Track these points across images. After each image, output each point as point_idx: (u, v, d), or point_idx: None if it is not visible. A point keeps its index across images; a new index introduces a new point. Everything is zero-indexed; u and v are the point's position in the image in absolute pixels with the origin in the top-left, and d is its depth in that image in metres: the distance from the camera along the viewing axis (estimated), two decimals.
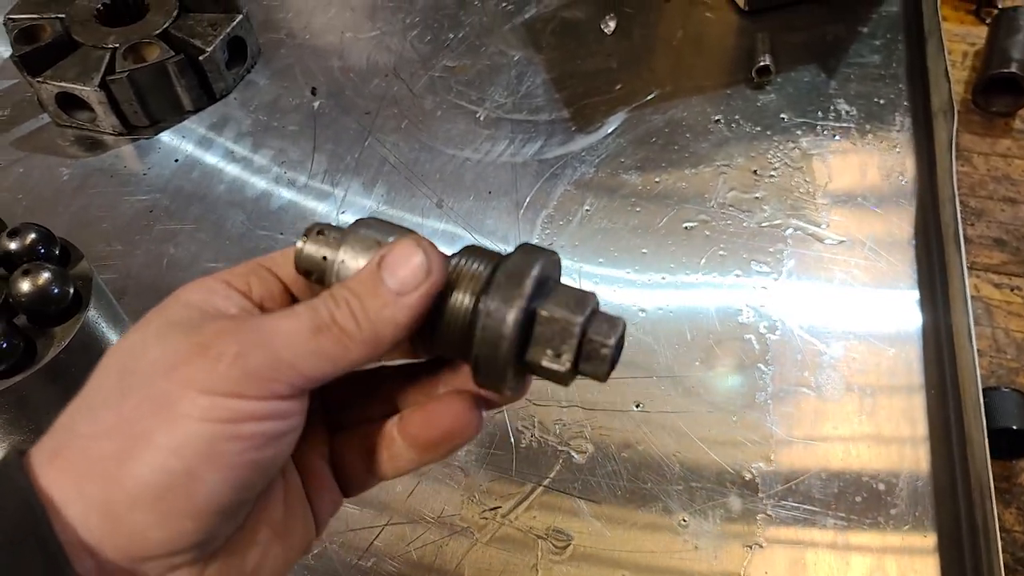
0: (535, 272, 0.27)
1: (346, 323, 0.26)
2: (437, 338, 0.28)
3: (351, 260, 0.28)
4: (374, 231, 0.29)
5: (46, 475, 0.25)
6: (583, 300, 0.27)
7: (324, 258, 0.29)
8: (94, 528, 0.24)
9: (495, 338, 0.26)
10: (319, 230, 0.29)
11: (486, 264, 0.28)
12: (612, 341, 0.27)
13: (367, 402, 0.32)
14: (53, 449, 0.25)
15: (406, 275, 0.26)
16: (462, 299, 0.27)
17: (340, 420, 0.32)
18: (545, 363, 0.27)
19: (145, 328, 0.27)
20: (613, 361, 0.27)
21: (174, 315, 0.27)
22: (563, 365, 0.27)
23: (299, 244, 0.29)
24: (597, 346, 0.27)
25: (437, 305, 0.27)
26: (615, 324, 0.27)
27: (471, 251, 0.29)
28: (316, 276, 0.29)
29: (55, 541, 0.23)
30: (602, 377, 0.27)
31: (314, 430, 0.31)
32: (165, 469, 0.24)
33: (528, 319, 0.27)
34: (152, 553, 0.25)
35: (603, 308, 0.28)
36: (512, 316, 0.26)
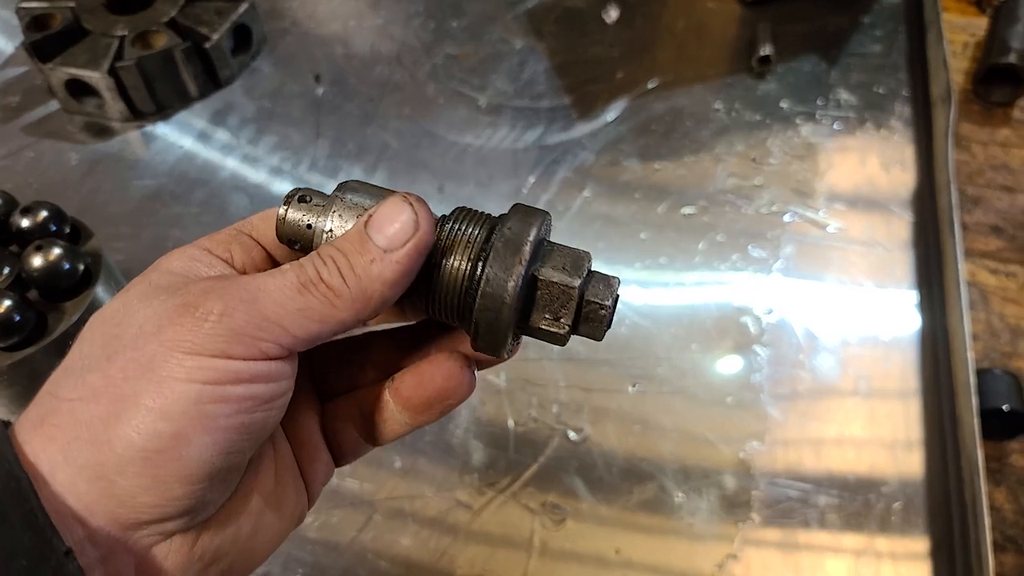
0: (532, 237, 0.27)
1: (333, 280, 0.26)
2: (432, 303, 0.28)
3: (339, 230, 0.27)
4: (360, 196, 0.28)
5: (32, 443, 0.24)
6: (579, 261, 0.27)
7: (309, 226, 0.28)
8: (83, 494, 0.24)
9: (497, 305, 0.26)
10: (301, 196, 0.28)
11: (480, 227, 0.28)
12: (609, 302, 0.27)
13: (357, 368, 0.31)
14: (39, 416, 0.25)
15: (394, 231, 0.26)
16: (458, 264, 0.27)
17: (331, 388, 0.32)
18: (544, 326, 0.27)
19: (128, 293, 0.26)
20: (609, 321, 0.28)
21: (157, 280, 0.27)
22: (562, 328, 0.27)
23: (281, 211, 0.28)
24: (595, 308, 0.27)
25: (431, 270, 0.27)
26: (611, 284, 0.28)
27: (463, 214, 0.28)
28: (301, 245, 0.28)
29: (43, 513, 0.23)
30: (599, 337, 0.28)
31: (305, 398, 0.31)
32: (154, 432, 0.24)
33: (528, 285, 0.27)
34: (143, 518, 0.24)
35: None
36: (513, 283, 0.26)
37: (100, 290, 0.48)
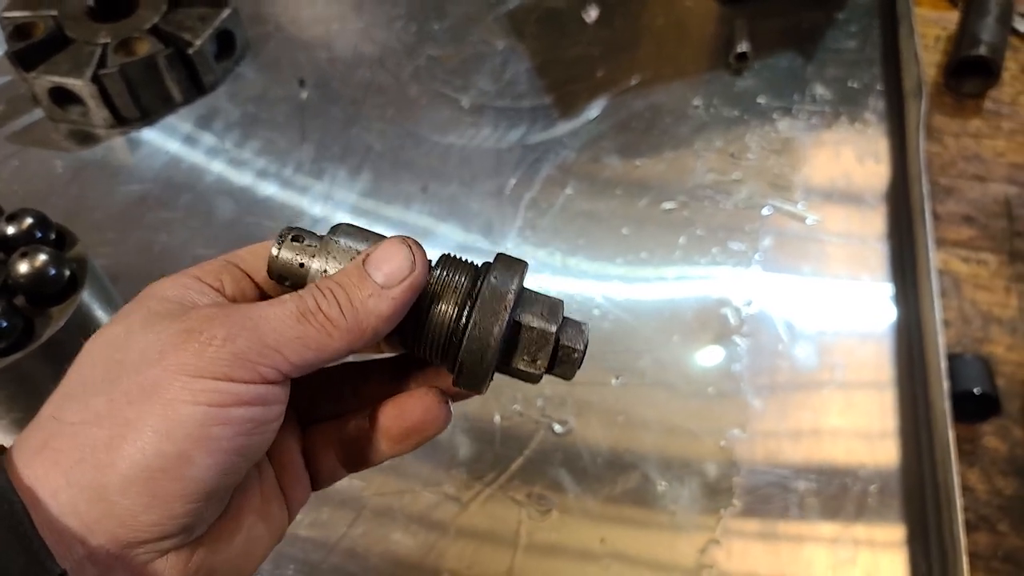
0: (515, 286, 0.29)
1: (331, 312, 0.27)
2: (418, 342, 0.30)
3: (332, 270, 0.29)
4: (354, 239, 0.29)
5: (33, 467, 0.25)
6: (555, 309, 0.30)
7: (302, 265, 0.29)
8: (84, 514, 0.25)
9: (482, 348, 0.28)
10: (295, 235, 0.29)
11: (465, 275, 0.30)
12: (581, 347, 0.30)
13: (337, 397, 0.33)
14: (41, 441, 0.26)
15: (391, 269, 0.28)
16: (446, 309, 0.29)
17: (312, 414, 0.33)
18: (523, 367, 0.30)
19: (126, 319, 0.27)
20: (580, 363, 0.30)
21: (155, 307, 0.28)
22: (539, 369, 0.30)
23: (274, 250, 0.29)
24: (569, 351, 0.30)
25: (419, 312, 0.29)
26: (582, 330, 0.30)
27: (449, 261, 0.30)
28: (292, 282, 0.29)
29: (36, 537, 0.24)
30: (569, 377, 0.31)
31: (288, 423, 0.32)
32: (159, 452, 0.25)
33: (510, 329, 0.29)
34: (143, 537, 0.25)
35: (568, 312, 0.31)
36: (498, 328, 0.28)
37: (86, 295, 0.49)
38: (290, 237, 0.29)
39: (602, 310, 0.62)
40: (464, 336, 0.28)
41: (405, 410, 0.31)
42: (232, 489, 0.28)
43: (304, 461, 0.33)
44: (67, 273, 0.48)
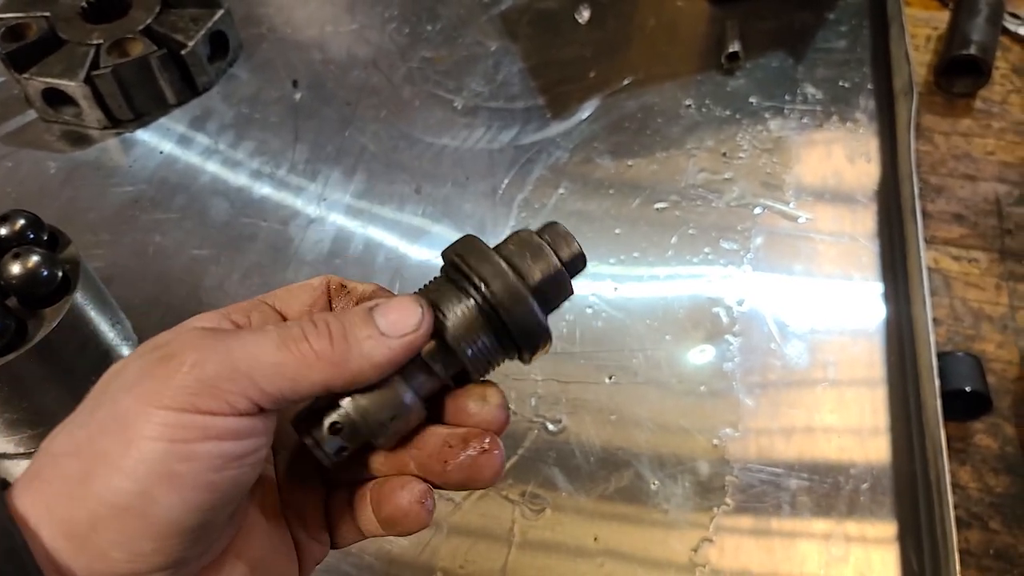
0: (481, 245, 0.29)
1: (317, 343, 0.26)
2: (458, 356, 0.28)
3: None
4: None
5: (23, 499, 0.25)
6: (523, 239, 0.30)
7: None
8: (62, 549, 0.24)
9: (517, 298, 0.27)
10: (334, 427, 0.28)
11: (442, 280, 0.29)
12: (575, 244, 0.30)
13: (357, 465, 0.31)
14: (34, 472, 0.25)
15: (397, 319, 0.27)
16: (460, 303, 0.28)
17: (336, 477, 0.31)
18: (544, 275, 0.29)
19: (133, 357, 0.27)
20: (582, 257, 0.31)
21: (162, 338, 0.27)
22: (556, 267, 0.29)
23: (309, 442, 0.28)
24: (567, 239, 0.30)
25: (442, 333, 0.28)
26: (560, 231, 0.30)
27: (427, 290, 0.30)
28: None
29: (35, 569, 0.23)
30: (582, 267, 0.31)
31: (311, 479, 0.31)
32: (121, 490, 0.24)
33: (513, 270, 0.29)
34: (120, 572, 0.24)
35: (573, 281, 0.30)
36: (511, 275, 0.28)
37: (79, 296, 0.49)
38: (328, 426, 0.28)
39: (595, 309, 0.62)
40: (495, 306, 0.27)
41: (387, 496, 0.29)
42: (216, 527, 0.26)
43: (326, 517, 0.31)
44: (59, 274, 0.48)
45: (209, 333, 0.26)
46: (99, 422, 0.25)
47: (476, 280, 0.28)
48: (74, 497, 0.24)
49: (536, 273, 0.29)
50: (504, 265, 0.28)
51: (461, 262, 0.28)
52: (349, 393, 0.27)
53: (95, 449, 0.24)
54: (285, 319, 0.30)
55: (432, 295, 0.29)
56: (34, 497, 0.25)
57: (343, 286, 0.31)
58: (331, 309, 0.31)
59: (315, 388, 0.26)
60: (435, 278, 0.30)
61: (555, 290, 0.29)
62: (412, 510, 0.29)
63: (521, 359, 0.30)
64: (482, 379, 0.30)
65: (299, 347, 0.26)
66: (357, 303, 0.31)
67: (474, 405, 0.30)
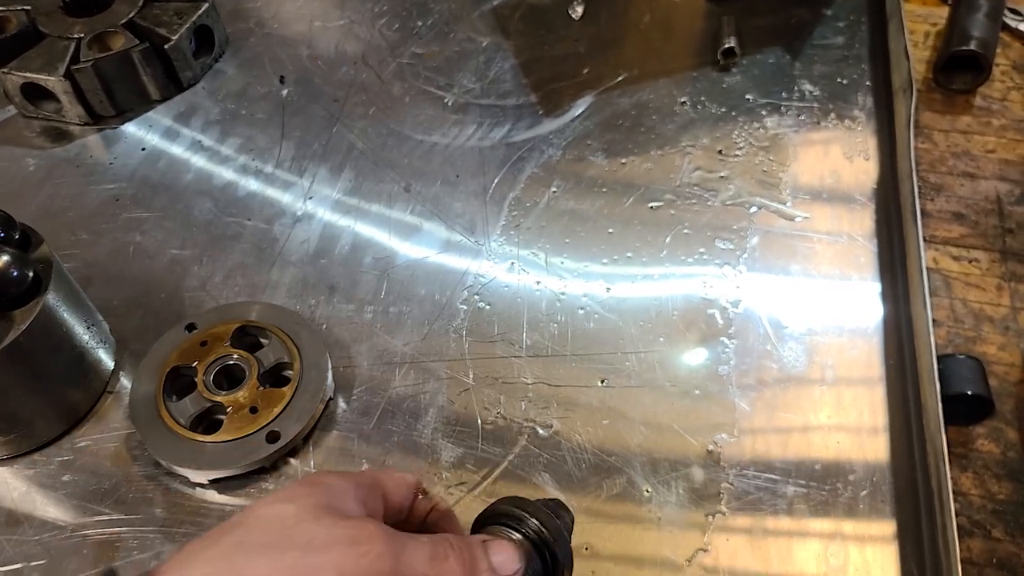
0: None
1: (456, 564, 0.34)
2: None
3: None
4: None
5: None
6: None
7: None
8: None
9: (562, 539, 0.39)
10: None
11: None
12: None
13: None
14: (183, 574, 0.31)
15: (504, 560, 0.36)
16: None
17: None
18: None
19: (299, 502, 0.33)
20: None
21: (322, 500, 0.34)
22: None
23: None
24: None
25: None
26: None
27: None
28: None
29: None
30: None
31: None
32: None
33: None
34: None
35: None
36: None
37: (51, 297, 0.47)
38: None
39: (587, 310, 0.61)
40: (546, 541, 0.39)
41: None
42: None
43: None
44: (31, 274, 0.46)
45: (387, 532, 0.33)
46: (288, 564, 0.31)
47: (533, 522, 0.38)
48: None
49: (568, 521, 0.42)
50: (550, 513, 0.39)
51: (518, 510, 0.39)
52: None
53: None
54: (387, 504, 0.38)
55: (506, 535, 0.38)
56: None
57: (426, 492, 0.41)
58: (415, 507, 0.40)
59: None
60: (493, 525, 0.39)
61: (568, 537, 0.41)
62: None
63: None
64: None
65: (443, 564, 0.34)
66: (431, 509, 0.40)
67: None
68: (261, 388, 0.52)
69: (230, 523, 0.33)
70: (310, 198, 0.69)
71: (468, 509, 0.50)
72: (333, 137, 0.74)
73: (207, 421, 0.52)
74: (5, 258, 0.45)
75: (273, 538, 0.32)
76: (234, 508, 0.51)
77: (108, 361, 0.56)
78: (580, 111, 0.75)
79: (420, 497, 0.40)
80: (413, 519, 0.40)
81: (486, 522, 0.40)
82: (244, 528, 0.32)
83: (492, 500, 0.41)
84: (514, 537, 0.38)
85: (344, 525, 0.32)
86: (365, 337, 0.59)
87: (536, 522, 0.38)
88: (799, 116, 0.73)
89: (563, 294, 0.61)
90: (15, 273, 0.45)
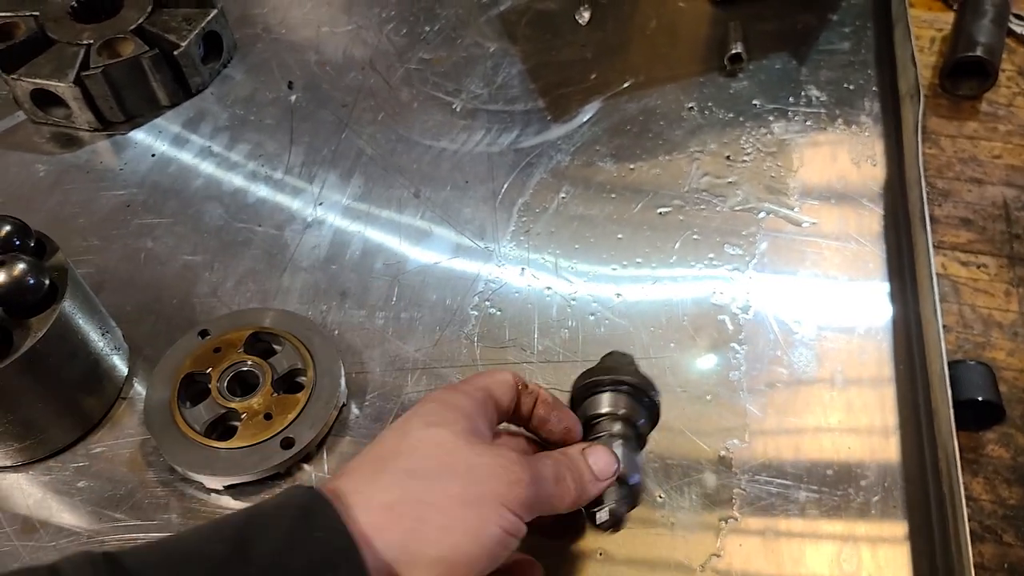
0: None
1: (572, 483, 0.39)
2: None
3: None
4: None
5: (375, 518, 0.33)
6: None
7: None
8: (394, 570, 0.33)
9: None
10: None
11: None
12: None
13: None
14: (394, 498, 0.34)
15: (604, 467, 0.41)
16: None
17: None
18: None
19: (449, 427, 0.37)
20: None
21: (467, 425, 0.37)
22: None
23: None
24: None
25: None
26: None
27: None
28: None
29: (364, 569, 0.31)
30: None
31: None
32: (464, 552, 0.33)
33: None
34: None
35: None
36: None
37: (67, 304, 0.48)
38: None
39: (597, 316, 0.61)
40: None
41: None
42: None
43: None
44: (46, 282, 0.47)
45: (525, 458, 0.38)
46: (456, 494, 0.34)
47: (628, 379, 0.47)
48: (426, 540, 0.33)
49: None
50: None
51: (609, 376, 0.46)
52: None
53: (454, 514, 0.34)
54: (498, 411, 0.41)
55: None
56: (391, 522, 0.33)
57: (526, 386, 0.43)
58: (520, 404, 0.42)
59: (557, 513, 0.40)
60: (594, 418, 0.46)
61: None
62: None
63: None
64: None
65: (563, 485, 0.39)
66: (536, 401, 0.43)
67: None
68: (275, 394, 0.53)
69: (388, 448, 0.36)
70: (320, 204, 0.69)
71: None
72: (342, 143, 0.74)
73: (221, 427, 0.53)
74: (21, 266, 0.45)
75: (437, 465, 0.35)
76: None
77: (122, 367, 0.56)
78: (588, 116, 0.75)
79: (522, 391, 0.42)
80: (521, 413, 0.42)
81: (584, 392, 0.46)
82: (407, 455, 0.35)
83: None
84: (614, 430, 0.44)
85: (491, 454, 0.36)
86: (377, 343, 0.60)
87: (629, 377, 0.46)
88: (806, 121, 0.74)
89: (574, 299, 0.62)
90: (31, 281, 0.46)
